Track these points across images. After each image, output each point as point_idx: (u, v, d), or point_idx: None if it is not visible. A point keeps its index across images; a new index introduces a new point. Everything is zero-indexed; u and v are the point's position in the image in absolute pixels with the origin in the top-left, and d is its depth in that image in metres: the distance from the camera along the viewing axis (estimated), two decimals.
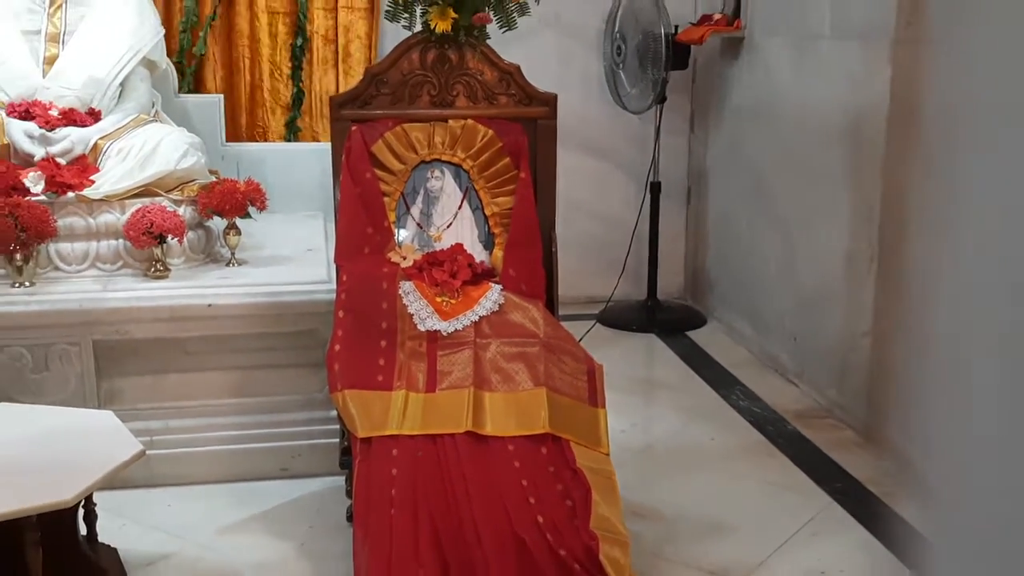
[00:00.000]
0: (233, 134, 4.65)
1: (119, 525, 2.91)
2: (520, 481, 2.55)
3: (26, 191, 3.27)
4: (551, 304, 3.08)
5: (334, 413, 3.14)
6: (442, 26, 2.94)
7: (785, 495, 3.25)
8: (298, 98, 4.78)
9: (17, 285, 3.19)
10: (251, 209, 3.44)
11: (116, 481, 2.42)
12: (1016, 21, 0.69)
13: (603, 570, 2.39)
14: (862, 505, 3.18)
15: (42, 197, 3.29)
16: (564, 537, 2.44)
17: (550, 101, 3.10)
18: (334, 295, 3.02)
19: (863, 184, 3.65)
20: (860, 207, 3.68)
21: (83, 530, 2.61)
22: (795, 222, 4.20)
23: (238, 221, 3.46)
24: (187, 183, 3.51)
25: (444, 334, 2.84)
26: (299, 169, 4.45)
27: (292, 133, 4.77)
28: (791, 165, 4.22)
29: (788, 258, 4.27)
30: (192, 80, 4.66)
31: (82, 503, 2.46)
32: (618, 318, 4.95)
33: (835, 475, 3.38)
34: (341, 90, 4.45)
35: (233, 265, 3.49)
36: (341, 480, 3.14)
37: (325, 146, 4.41)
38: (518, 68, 3.08)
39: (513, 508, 2.49)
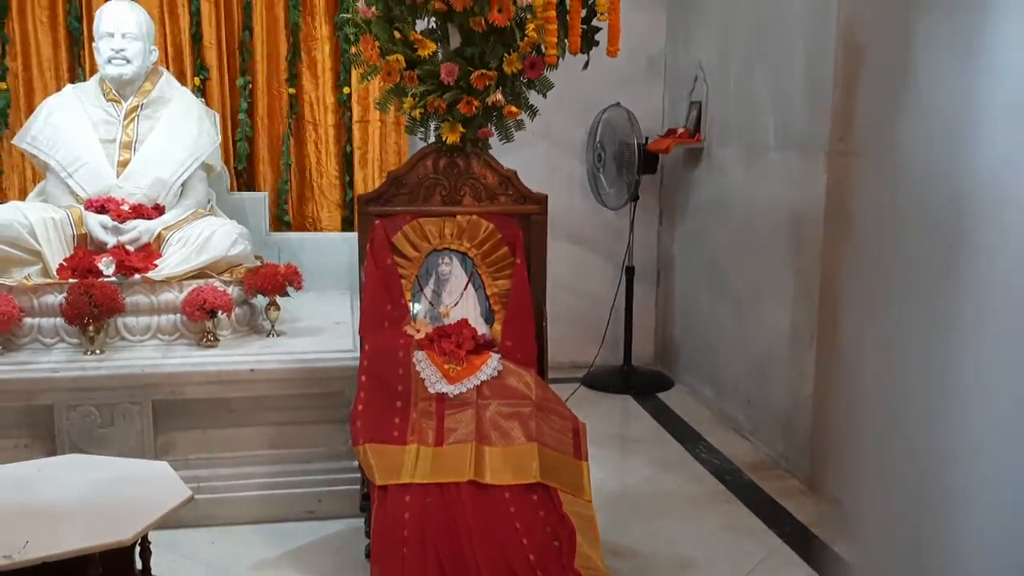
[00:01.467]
0: (275, 225, 4.68)
1: (170, 560, 2.85)
2: (515, 524, 2.52)
3: (99, 273, 3.28)
4: (542, 370, 3.06)
5: (355, 463, 3.11)
6: (452, 138, 2.98)
7: (741, 537, 3.20)
8: (350, 200, 4.78)
9: (89, 353, 3.17)
10: (289, 288, 3.45)
11: (168, 522, 2.36)
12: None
13: None
14: (805, 545, 3.13)
15: (113, 278, 3.29)
16: (552, 573, 2.39)
17: (542, 200, 3.12)
18: (358, 362, 3.00)
19: (804, 270, 3.66)
20: (802, 289, 3.69)
21: (139, 565, 2.56)
22: (747, 301, 4.21)
23: (278, 299, 3.46)
24: (235, 267, 3.52)
25: (451, 396, 2.82)
26: (330, 254, 4.47)
27: (347, 227, 4.77)
28: (743, 253, 4.24)
29: (741, 332, 4.26)
30: (247, 179, 4.69)
31: (139, 541, 2.42)
32: (598, 381, 4.92)
33: (783, 519, 3.34)
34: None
35: (273, 336, 3.47)
36: (360, 522, 3.09)
37: (353, 235, 4.45)
38: (515, 173, 3.11)
39: (509, 547, 2.45)
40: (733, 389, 4.35)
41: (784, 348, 3.83)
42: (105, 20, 3.72)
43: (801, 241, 3.68)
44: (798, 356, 3.71)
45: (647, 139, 4.79)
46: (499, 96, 2.92)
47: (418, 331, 2.99)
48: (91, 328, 3.15)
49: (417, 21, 2.93)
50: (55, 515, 2.31)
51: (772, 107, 3.94)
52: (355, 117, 4.74)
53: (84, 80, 4.22)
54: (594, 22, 2.99)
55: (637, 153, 4.69)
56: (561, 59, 2.94)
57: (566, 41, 2.93)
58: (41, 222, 3.36)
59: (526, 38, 2.85)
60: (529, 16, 2.85)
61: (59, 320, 3.21)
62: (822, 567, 2.98)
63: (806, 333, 3.64)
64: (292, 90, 4.69)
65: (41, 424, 3.10)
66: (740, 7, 4.26)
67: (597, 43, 3.02)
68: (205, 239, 3.44)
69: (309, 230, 4.76)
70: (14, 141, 3.83)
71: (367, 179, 4.76)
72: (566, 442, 2.77)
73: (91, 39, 4.14)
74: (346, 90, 4.72)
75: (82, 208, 3.53)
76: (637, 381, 4.96)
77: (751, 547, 3.11)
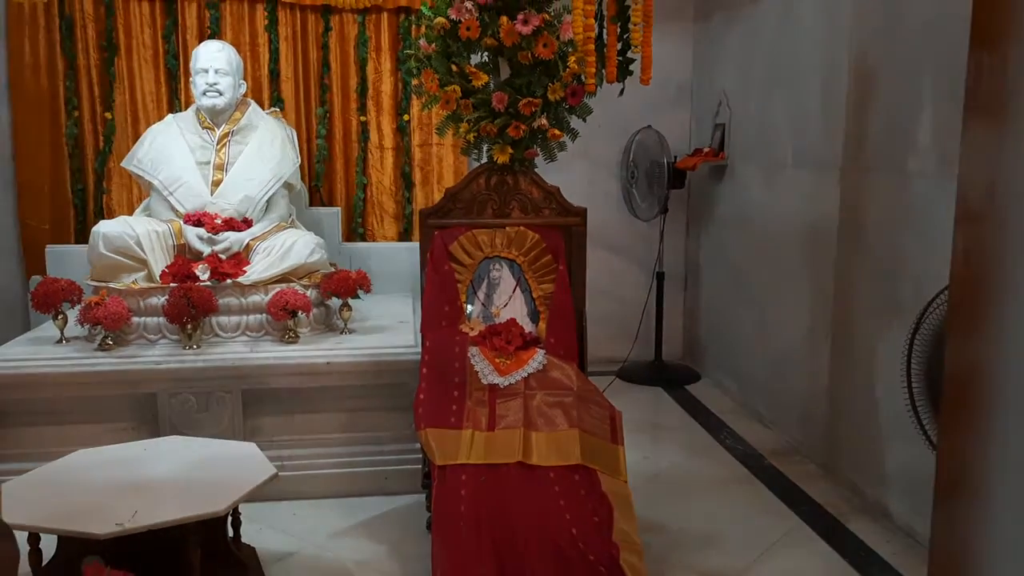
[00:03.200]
0: (347, 236, 4.73)
1: (257, 529, 2.89)
2: (559, 501, 2.51)
3: (196, 278, 3.33)
4: (582, 364, 3.05)
5: (417, 445, 3.13)
6: (502, 158, 2.99)
7: (763, 515, 3.16)
8: (408, 214, 4.80)
9: (187, 347, 3.23)
10: (359, 291, 3.47)
11: (256, 496, 2.40)
12: None
13: (623, 572, 2.32)
14: (822, 523, 3.08)
15: (208, 283, 3.34)
16: (592, 545, 2.38)
17: (581, 213, 3.12)
18: (420, 356, 3.02)
19: (818, 276, 3.61)
20: (817, 293, 3.63)
21: (230, 533, 2.60)
22: (767, 304, 4.16)
23: (350, 300, 3.48)
24: (313, 272, 3.55)
25: (501, 387, 2.82)
26: (393, 262, 4.49)
27: (403, 238, 4.81)
28: (763, 261, 4.19)
29: (762, 331, 4.21)
30: (322, 195, 4.74)
31: (230, 512, 2.46)
32: (632, 374, 4.89)
33: (802, 500, 3.28)
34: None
35: (345, 333, 3.50)
36: (422, 497, 3.10)
37: (414, 244, 4.48)
38: (558, 189, 3.11)
39: (553, 521, 2.44)
40: (755, 382, 4.30)
41: (801, 346, 3.77)
42: (201, 58, 3.79)
43: (816, 250, 3.62)
44: (814, 353, 3.65)
45: (676, 158, 4.75)
46: (544, 121, 2.92)
47: (472, 329, 3.00)
48: (189, 326, 3.20)
49: (471, 56, 2.94)
50: (158, 489, 2.36)
51: (789, 128, 3.89)
52: (417, 141, 4.77)
53: (181, 110, 4.30)
54: (629, 54, 2.99)
55: (667, 170, 4.66)
56: (599, 87, 2.94)
57: (604, 71, 2.93)
58: (146, 234, 3.42)
59: (568, 69, 2.85)
60: (571, 50, 2.86)
61: (162, 319, 3.27)
62: (837, 543, 2.93)
63: (821, 333, 3.58)
64: (364, 118, 4.74)
65: (146, 409, 3.17)
66: (759, 40, 4.21)
67: (631, 73, 3.01)
68: (287, 248, 3.48)
69: (369, 240, 4.80)
70: (123, 164, 3.89)
71: (428, 196, 4.79)
72: (604, 428, 2.76)
73: (187, 75, 4.23)
74: (405, 117, 4.75)
75: (181, 222, 3.58)
76: (667, 374, 4.92)
77: (772, 524, 3.07)
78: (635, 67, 3.01)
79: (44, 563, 2.37)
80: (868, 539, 2.95)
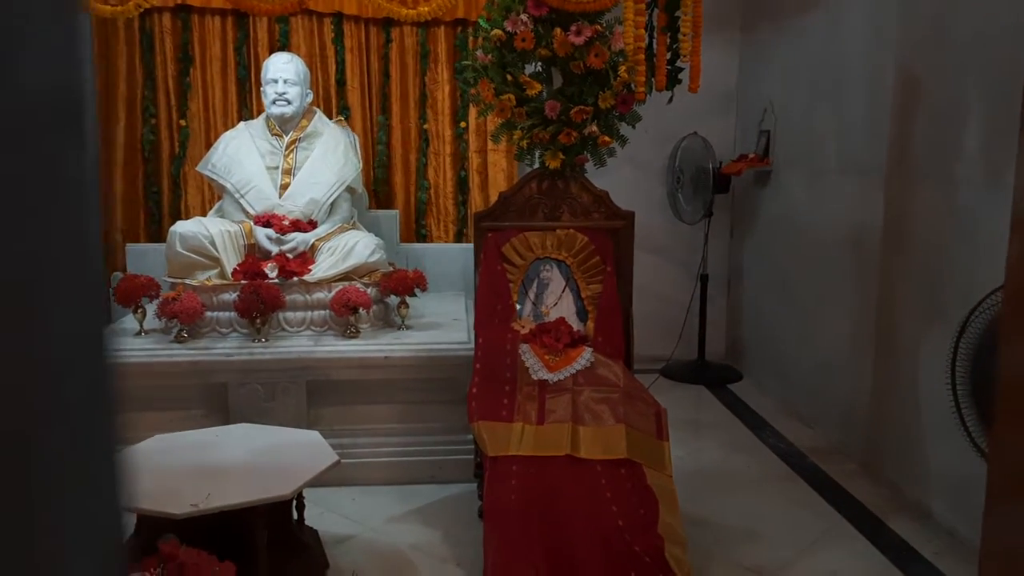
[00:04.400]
0: (408, 237, 4.76)
1: (319, 513, 2.93)
2: (606, 493, 2.51)
3: (265, 276, 3.39)
4: (628, 362, 3.04)
5: (469, 436, 3.14)
6: (553, 164, 2.99)
7: (804, 512, 3.10)
8: (464, 216, 4.82)
9: (256, 341, 3.29)
10: (416, 290, 3.49)
11: (318, 481, 2.43)
12: None
13: (667, 564, 2.31)
14: (863, 521, 3.01)
15: (276, 280, 3.39)
16: (638, 537, 2.37)
17: (629, 217, 3.10)
18: (473, 352, 3.04)
19: (862, 280, 3.53)
20: (860, 297, 3.55)
21: (294, 516, 2.64)
22: (810, 307, 4.08)
23: (407, 298, 3.51)
24: (373, 271, 3.57)
25: (550, 382, 2.83)
26: (448, 262, 4.49)
27: (459, 240, 4.83)
28: (806, 264, 4.11)
29: (805, 333, 4.13)
30: (381, 198, 4.78)
31: (295, 496, 2.50)
32: (675, 373, 4.85)
33: (842, 498, 3.22)
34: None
35: (402, 329, 3.52)
36: (473, 486, 3.12)
37: (467, 245, 4.50)
38: (607, 193, 3.10)
39: (600, 513, 2.44)
40: (797, 383, 4.22)
41: (844, 348, 3.69)
42: (271, 69, 3.85)
43: (860, 254, 3.54)
44: (857, 355, 3.57)
45: (721, 163, 4.69)
46: (594, 128, 2.92)
47: (523, 327, 3.01)
48: (258, 320, 3.26)
49: (526, 66, 2.95)
50: (229, 473, 2.41)
51: (833, 135, 3.81)
52: (474, 147, 4.79)
53: (251, 118, 4.38)
54: (678, 63, 2.96)
55: (712, 175, 4.60)
56: (648, 96, 2.92)
57: (653, 80, 2.91)
58: (219, 234, 3.49)
59: (618, 78, 2.84)
60: (621, 59, 2.84)
61: (233, 314, 3.33)
62: (877, 541, 2.86)
63: (864, 336, 3.50)
64: (425, 125, 4.77)
65: (217, 398, 3.24)
66: (806, 49, 4.13)
67: (680, 81, 2.99)
68: (349, 248, 3.51)
69: (428, 241, 4.83)
70: (198, 168, 3.99)
71: (485, 200, 4.79)
72: (650, 424, 2.74)
73: (257, 85, 4.31)
74: (462, 124, 4.77)
75: (251, 223, 3.64)
76: (710, 374, 4.86)
77: (813, 520, 3.01)
78: (684, 76, 2.98)
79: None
80: (909, 538, 2.88)
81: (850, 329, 3.64)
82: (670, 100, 3.00)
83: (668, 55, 2.92)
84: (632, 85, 2.86)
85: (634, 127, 3.01)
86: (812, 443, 3.81)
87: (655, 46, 2.89)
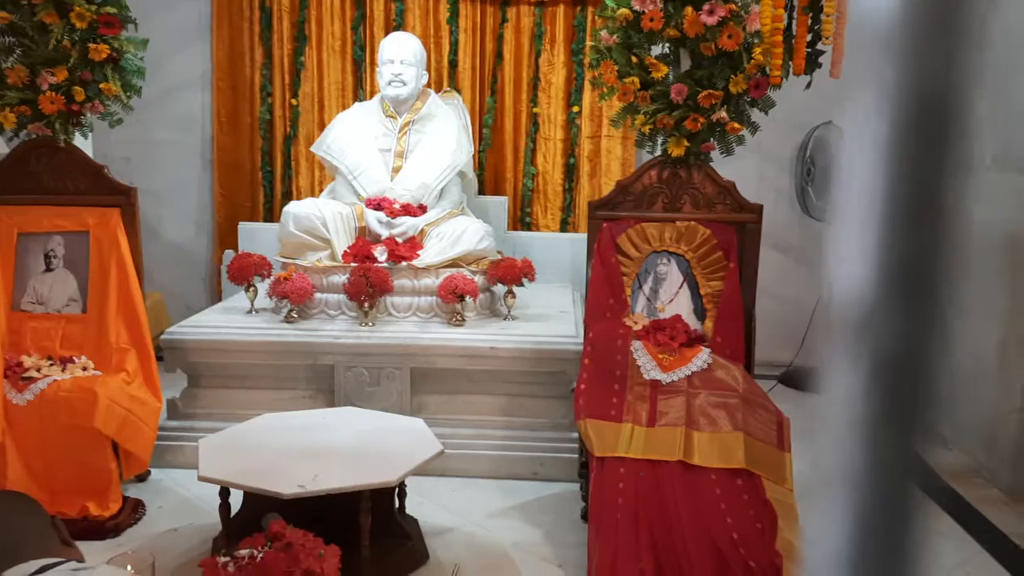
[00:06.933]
0: (512, 224, 4.79)
1: (418, 503, 2.96)
2: (720, 504, 2.45)
3: (375, 259, 3.47)
4: (748, 367, 2.96)
5: (574, 434, 3.14)
6: (677, 152, 2.94)
7: (938, 539, 2.94)
8: (569, 204, 4.82)
9: (363, 324, 3.38)
10: (524, 280, 3.50)
11: (420, 470, 2.47)
12: None
13: None
14: (1005, 553, 2.83)
15: (385, 264, 3.47)
16: (754, 552, 2.31)
17: (757, 210, 3.01)
18: (581, 346, 3.03)
19: (1015, 287, 3.30)
20: (1013, 304, 3.32)
21: (396, 503, 2.70)
22: (954, 315, 3.84)
23: (514, 288, 3.53)
24: (481, 259, 3.61)
25: (663, 383, 2.79)
26: (555, 252, 4.49)
27: (564, 229, 4.82)
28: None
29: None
30: (488, 183, 4.83)
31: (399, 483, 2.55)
32: (797, 380, 4.69)
33: (983, 526, 3.03)
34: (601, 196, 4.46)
35: (509, 320, 3.55)
36: (575, 486, 3.11)
37: (577, 235, 4.48)
38: (733, 184, 3.02)
39: (714, 525, 2.39)
40: None
41: (991, 362, 3.47)
42: (388, 49, 3.93)
43: (1014, 260, 3.31)
44: (1005, 369, 3.35)
45: None
46: (723, 114, 2.84)
47: (636, 323, 2.98)
48: (366, 304, 3.35)
49: (652, 47, 2.90)
50: (334, 455, 2.49)
51: (991, 130, 3.57)
52: (586, 133, 4.76)
53: (364, 99, 4.50)
54: (818, 46, 2.84)
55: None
56: (784, 80, 2.82)
57: (790, 63, 2.81)
58: (332, 216, 3.60)
59: (752, 61, 2.76)
60: (756, 41, 2.76)
61: (342, 296, 3.43)
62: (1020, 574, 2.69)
63: (1014, 348, 3.28)
64: (536, 109, 4.77)
65: (323, 380, 3.35)
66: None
67: (820, 65, 2.87)
68: (458, 235, 3.56)
69: (532, 230, 4.83)
70: (312, 148, 4.13)
71: (595, 188, 4.76)
72: (770, 433, 2.67)
73: (372, 65, 4.42)
74: (575, 108, 4.75)
75: (363, 205, 3.74)
76: None
77: (949, 550, 2.85)
78: (824, 59, 2.86)
79: (232, 515, 2.56)
80: None
81: (997, 340, 3.41)
82: (808, 85, 2.89)
83: (808, 37, 2.81)
84: (767, 69, 2.77)
85: (767, 113, 2.92)
86: (950, 464, 3.60)
87: (794, 27, 2.79)
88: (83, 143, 3.35)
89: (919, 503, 0.31)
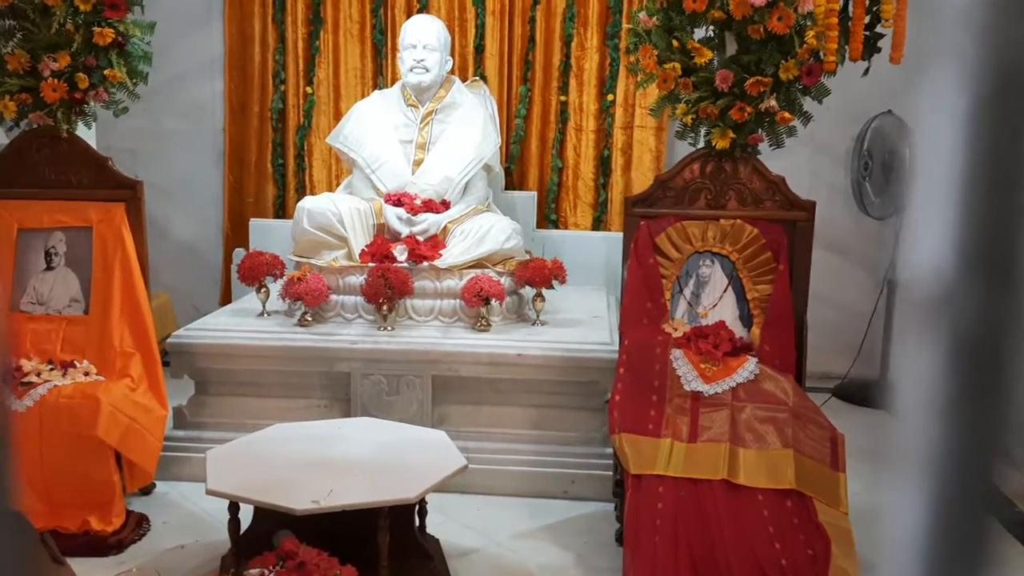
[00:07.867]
0: (539, 222, 4.78)
1: (440, 521, 2.96)
2: (767, 527, 2.43)
3: (394, 259, 3.49)
4: (799, 378, 2.93)
5: (607, 449, 3.13)
6: (722, 144, 2.92)
7: (1008, 571, 2.89)
8: (603, 201, 4.79)
9: (381, 329, 3.39)
10: (554, 282, 3.49)
11: (442, 486, 2.46)
12: None
13: None
14: None
15: (405, 264, 3.49)
16: None
17: (809, 208, 2.99)
18: (616, 355, 3.02)
19: None
20: None
21: (415, 522, 2.70)
22: None
23: (544, 291, 3.52)
24: (508, 259, 3.62)
25: (706, 395, 2.77)
26: (588, 251, 4.47)
27: (596, 228, 4.80)
28: None
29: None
30: (515, 178, 4.82)
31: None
32: (852, 394, 4.63)
33: None
34: (632, 191, 4.44)
35: (538, 325, 3.55)
36: (609, 506, 3.10)
37: (611, 234, 4.46)
38: (783, 179, 3.00)
39: (761, 550, 2.37)
40: None
41: None
42: (409, 33, 3.95)
43: None
44: None
45: None
46: (773, 102, 2.83)
47: (676, 330, 2.96)
48: (385, 307, 3.36)
49: (695, 30, 2.89)
50: (350, 469, 2.50)
51: None
52: (620, 123, 4.74)
53: (385, 87, 4.52)
54: (878, 29, 2.81)
55: (908, 163, 4.36)
56: (840, 66, 2.79)
57: (846, 48, 2.78)
58: (348, 212, 3.63)
59: (805, 45, 2.74)
60: (809, 23, 2.74)
61: (359, 298, 3.45)
62: None
63: None
64: (564, 97, 4.76)
65: (339, 388, 3.37)
66: None
67: (879, 50, 2.84)
68: (484, 233, 3.57)
69: (561, 228, 4.81)
70: (328, 140, 4.16)
71: (629, 183, 4.74)
72: (823, 451, 2.64)
73: (393, 50, 4.44)
74: (610, 97, 4.72)
75: (382, 201, 3.75)
76: None
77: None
78: (883, 43, 2.83)
79: (241, 531, 2.58)
80: None
81: None
82: (866, 72, 2.86)
83: (867, 19, 2.78)
84: (821, 53, 2.75)
85: (821, 102, 2.90)
86: (1022, 488, 3.54)
87: (851, 8, 2.76)
88: (86, 133, 3.40)
89: (997, 486, 0.31)
